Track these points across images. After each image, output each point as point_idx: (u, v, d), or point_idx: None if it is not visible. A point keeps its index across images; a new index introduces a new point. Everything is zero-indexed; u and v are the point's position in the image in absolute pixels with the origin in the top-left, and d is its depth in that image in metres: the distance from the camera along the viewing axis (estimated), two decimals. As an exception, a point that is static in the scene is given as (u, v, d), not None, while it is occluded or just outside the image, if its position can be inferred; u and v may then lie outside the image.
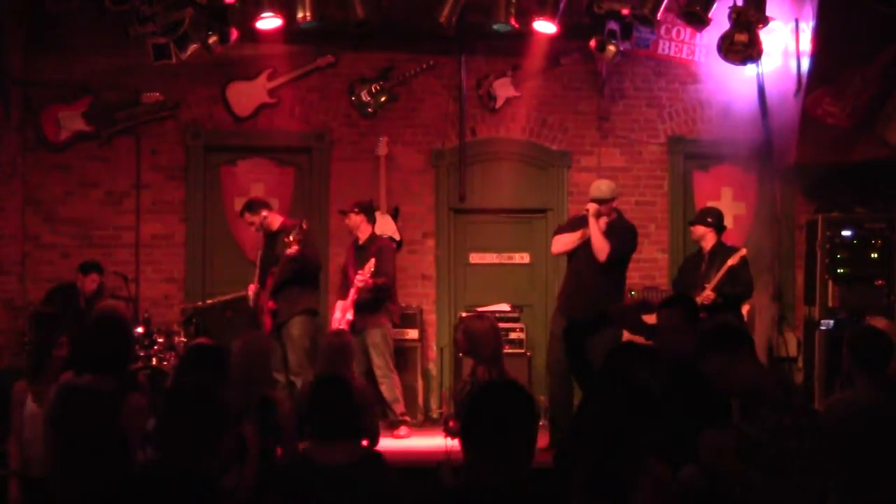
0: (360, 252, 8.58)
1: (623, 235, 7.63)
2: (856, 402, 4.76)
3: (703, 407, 4.38)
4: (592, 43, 9.06)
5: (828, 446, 4.59)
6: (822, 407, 5.16)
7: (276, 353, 8.22)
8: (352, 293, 8.38)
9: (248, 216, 8.57)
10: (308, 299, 8.38)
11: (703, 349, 4.27)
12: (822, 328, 9.13)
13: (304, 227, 8.16)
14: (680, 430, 4.15)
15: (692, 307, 5.85)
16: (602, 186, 7.78)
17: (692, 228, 8.52)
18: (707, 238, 8.28)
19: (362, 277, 8.23)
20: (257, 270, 8.44)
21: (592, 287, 7.55)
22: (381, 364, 8.42)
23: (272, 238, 8.48)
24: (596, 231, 7.54)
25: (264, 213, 8.51)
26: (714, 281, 7.97)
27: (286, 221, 8.57)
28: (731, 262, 8.00)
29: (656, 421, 3.88)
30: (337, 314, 8.56)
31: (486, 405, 2.95)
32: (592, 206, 7.59)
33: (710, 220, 8.36)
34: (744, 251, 8.09)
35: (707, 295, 7.85)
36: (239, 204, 9.87)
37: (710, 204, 9.86)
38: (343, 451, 3.86)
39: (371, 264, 8.24)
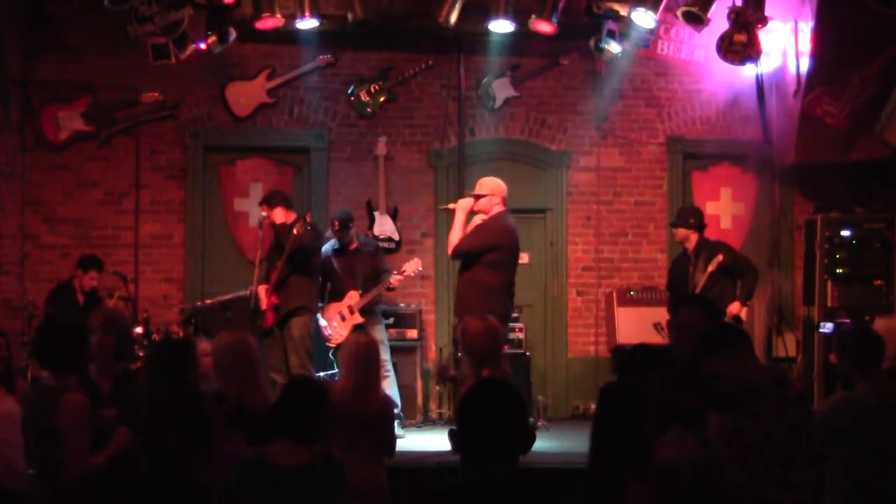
0: (354, 256, 8.55)
1: (484, 231, 7.49)
2: (856, 401, 4.76)
3: (718, 402, 4.38)
4: (591, 43, 9.08)
5: (829, 442, 4.59)
6: (824, 405, 5.16)
7: (274, 352, 8.22)
8: (367, 297, 8.37)
9: (264, 208, 8.48)
10: (308, 296, 8.35)
11: (702, 353, 4.28)
12: (822, 331, 9.10)
13: (308, 219, 8.18)
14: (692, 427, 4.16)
15: (711, 305, 5.89)
16: (482, 181, 7.80)
17: (675, 231, 8.57)
18: (690, 238, 8.35)
19: (400, 277, 8.35)
20: (257, 271, 8.41)
21: (461, 286, 7.55)
22: (385, 359, 8.41)
23: (279, 233, 8.45)
24: (455, 225, 7.55)
25: (279, 209, 8.44)
26: (700, 285, 8.01)
27: (293, 218, 8.56)
28: (710, 268, 8.05)
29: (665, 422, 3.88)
30: (335, 323, 8.48)
31: (476, 405, 2.95)
32: (462, 200, 7.64)
33: (691, 220, 8.40)
34: (720, 257, 8.10)
35: (736, 308, 7.94)
36: (238, 204, 9.92)
37: (709, 204, 9.92)
38: (299, 453, 3.87)
39: (417, 264, 8.34)
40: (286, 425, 3.89)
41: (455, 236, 7.50)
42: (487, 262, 7.41)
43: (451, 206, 7.74)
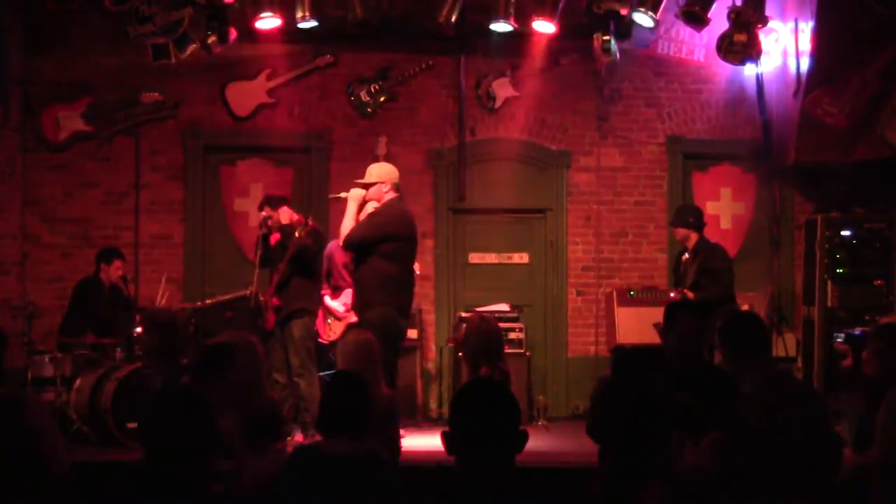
0: None
1: (377, 220, 7.23)
2: None
3: (712, 408, 4.38)
4: (597, 44, 9.07)
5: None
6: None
7: (276, 352, 8.21)
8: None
9: (267, 210, 8.45)
10: (309, 298, 8.34)
11: (718, 341, 4.31)
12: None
13: (311, 223, 8.16)
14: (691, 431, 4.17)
15: (700, 310, 5.90)
16: (370, 169, 7.52)
17: (675, 230, 8.53)
18: (690, 237, 8.28)
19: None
20: (257, 271, 8.39)
21: (356, 279, 7.38)
22: None
23: (283, 234, 8.45)
24: (347, 214, 7.29)
25: (284, 207, 8.43)
26: (689, 279, 8.04)
27: (297, 218, 8.55)
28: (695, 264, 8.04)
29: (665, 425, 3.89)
30: (329, 320, 8.49)
31: (465, 405, 2.95)
32: (354, 190, 7.36)
33: (690, 220, 8.33)
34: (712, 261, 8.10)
35: (683, 293, 7.93)
36: (238, 204, 9.92)
37: (709, 204, 9.92)
38: (347, 444, 3.92)
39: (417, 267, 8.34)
40: (335, 419, 3.93)
41: (347, 226, 7.24)
42: (382, 253, 7.15)
43: (341, 195, 7.49)
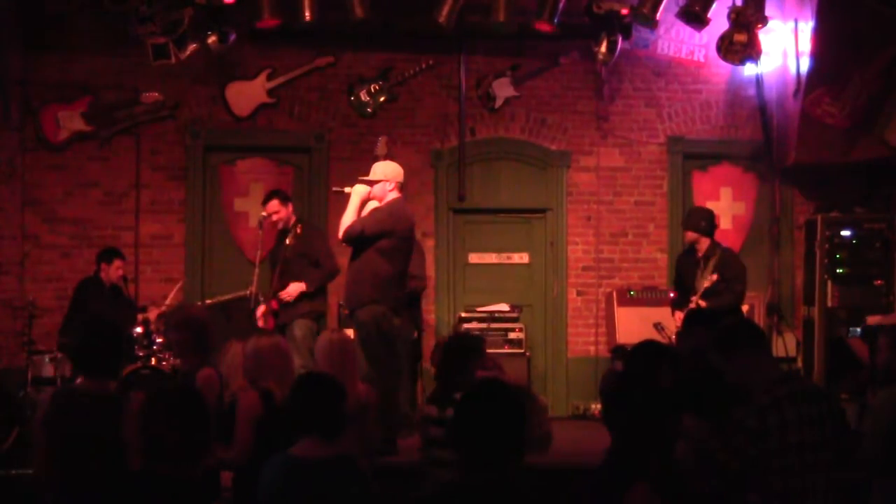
0: None
1: (378, 215, 7.13)
2: None
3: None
4: (604, 45, 9.07)
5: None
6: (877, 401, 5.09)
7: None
8: None
9: (276, 204, 8.40)
10: (310, 300, 8.35)
11: (710, 347, 4.31)
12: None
13: (300, 230, 8.15)
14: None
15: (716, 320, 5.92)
16: (375, 166, 7.43)
17: (685, 232, 8.47)
18: (701, 242, 8.18)
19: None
20: (257, 271, 8.38)
21: (350, 275, 7.25)
22: None
23: (281, 235, 8.45)
24: (348, 209, 7.19)
25: (291, 206, 8.42)
26: (700, 292, 7.95)
27: (293, 219, 8.55)
28: (714, 276, 7.96)
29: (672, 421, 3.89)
30: None
31: (475, 406, 2.95)
32: (358, 185, 7.26)
33: (702, 224, 8.20)
34: (724, 273, 8.03)
35: (697, 303, 7.88)
36: (238, 204, 9.91)
37: (709, 204, 9.90)
38: (319, 448, 3.89)
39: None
40: (307, 421, 3.92)
41: (347, 220, 7.15)
42: (380, 249, 7.07)
43: (346, 189, 7.39)
